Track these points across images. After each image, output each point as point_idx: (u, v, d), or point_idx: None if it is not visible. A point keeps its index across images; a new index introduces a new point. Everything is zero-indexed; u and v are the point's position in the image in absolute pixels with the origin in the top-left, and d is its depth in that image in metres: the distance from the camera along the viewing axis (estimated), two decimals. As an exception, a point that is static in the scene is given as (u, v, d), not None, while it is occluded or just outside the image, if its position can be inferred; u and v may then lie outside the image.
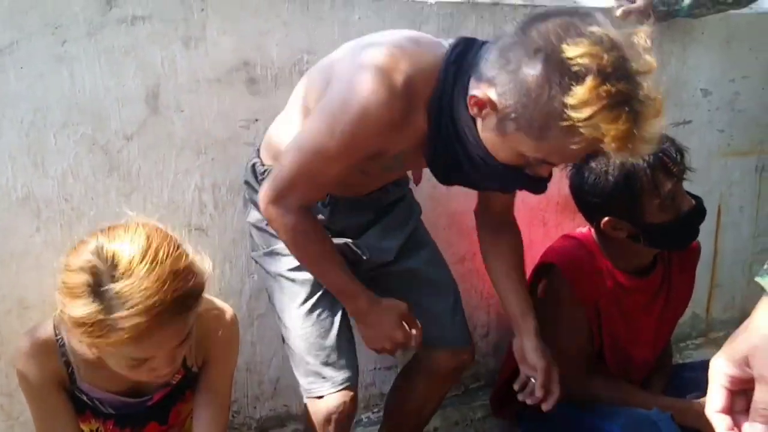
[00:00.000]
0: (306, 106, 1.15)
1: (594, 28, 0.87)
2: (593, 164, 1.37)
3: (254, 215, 1.26)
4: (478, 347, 1.65)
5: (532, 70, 0.89)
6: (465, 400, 1.79)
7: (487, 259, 1.37)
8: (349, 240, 1.23)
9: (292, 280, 1.23)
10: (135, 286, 0.85)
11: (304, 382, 1.22)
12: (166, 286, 0.86)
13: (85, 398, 1.07)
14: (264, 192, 1.11)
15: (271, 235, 1.22)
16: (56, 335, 1.05)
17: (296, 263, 1.20)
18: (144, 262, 0.87)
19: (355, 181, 1.17)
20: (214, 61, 1.33)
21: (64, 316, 0.90)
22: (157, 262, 0.87)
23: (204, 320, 1.06)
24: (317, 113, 1.06)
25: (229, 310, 1.15)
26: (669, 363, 1.68)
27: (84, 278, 0.87)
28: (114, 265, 0.87)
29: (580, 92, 0.84)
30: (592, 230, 1.50)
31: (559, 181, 1.72)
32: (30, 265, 1.28)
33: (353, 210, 1.25)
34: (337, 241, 1.21)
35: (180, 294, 0.89)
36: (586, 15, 0.90)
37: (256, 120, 1.39)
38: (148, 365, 0.94)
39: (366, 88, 0.98)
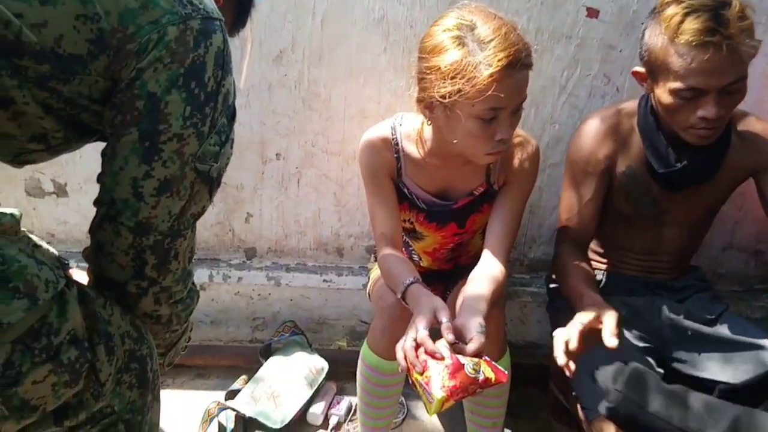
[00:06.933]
0: None
1: None
2: None
3: None
4: None
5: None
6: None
7: None
8: None
9: None
10: (492, 32, 1.04)
11: None
12: (514, 34, 1.05)
13: (405, 191, 1.30)
14: None
15: None
16: (392, 135, 1.26)
17: None
18: (495, 19, 1.07)
19: None
20: None
21: (432, 80, 1.08)
22: (502, 20, 1.07)
23: (510, 145, 1.17)
24: None
25: (533, 142, 1.26)
26: None
27: (450, 35, 1.06)
28: (472, 23, 1.06)
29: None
30: None
31: None
32: (374, 80, 1.51)
33: None
34: None
35: (523, 45, 1.06)
36: None
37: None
38: (492, 129, 1.08)
39: None
